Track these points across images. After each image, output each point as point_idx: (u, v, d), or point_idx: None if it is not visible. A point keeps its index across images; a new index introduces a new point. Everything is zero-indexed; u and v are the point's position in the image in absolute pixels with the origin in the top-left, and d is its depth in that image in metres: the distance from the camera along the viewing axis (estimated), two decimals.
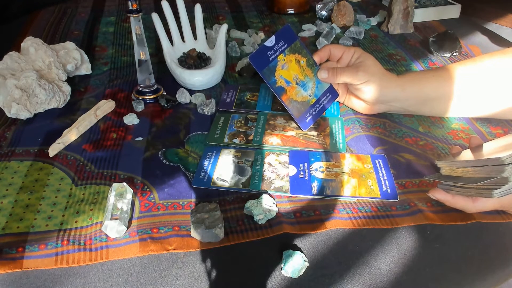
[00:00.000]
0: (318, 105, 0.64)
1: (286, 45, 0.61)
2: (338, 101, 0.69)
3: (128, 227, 0.48)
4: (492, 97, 0.61)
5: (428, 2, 1.03)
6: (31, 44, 0.70)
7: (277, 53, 0.60)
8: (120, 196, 0.50)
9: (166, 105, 0.69)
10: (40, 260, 0.44)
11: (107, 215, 0.47)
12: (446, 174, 0.51)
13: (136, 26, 0.64)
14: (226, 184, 0.54)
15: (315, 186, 0.53)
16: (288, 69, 0.61)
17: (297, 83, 0.62)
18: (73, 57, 0.75)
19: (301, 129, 0.62)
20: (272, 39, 0.60)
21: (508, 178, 0.42)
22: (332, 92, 0.66)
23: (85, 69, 0.79)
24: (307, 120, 0.63)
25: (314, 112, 0.63)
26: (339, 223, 0.48)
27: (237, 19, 1.03)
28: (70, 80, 0.76)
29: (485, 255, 0.46)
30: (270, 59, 0.60)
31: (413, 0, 0.93)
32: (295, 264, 0.43)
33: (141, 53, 0.67)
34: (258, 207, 0.48)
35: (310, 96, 0.63)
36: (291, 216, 0.49)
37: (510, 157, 0.41)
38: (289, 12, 1.05)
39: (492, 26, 0.98)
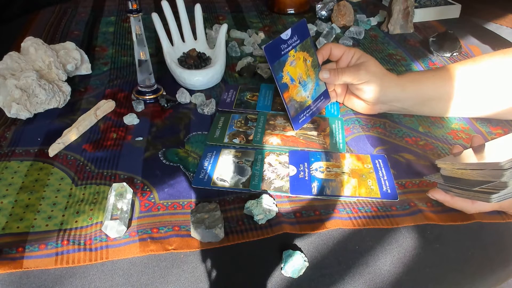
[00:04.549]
0: (312, 107, 0.64)
1: (298, 41, 0.60)
2: (337, 101, 0.69)
3: (128, 227, 0.48)
4: (492, 97, 0.61)
5: (428, 2, 1.03)
6: (31, 44, 0.70)
7: (290, 48, 0.59)
8: (120, 196, 0.50)
9: (166, 105, 0.69)
10: (40, 260, 0.44)
11: (107, 215, 0.47)
12: (446, 175, 0.51)
13: (136, 26, 0.64)
14: (226, 184, 0.54)
15: (315, 186, 0.53)
16: (295, 67, 0.60)
17: (299, 82, 0.61)
18: (73, 57, 0.75)
19: (293, 128, 0.62)
20: (288, 32, 0.58)
21: (507, 183, 0.42)
22: (325, 96, 0.65)
23: (85, 69, 0.79)
24: (300, 121, 0.62)
25: (308, 114, 0.63)
26: (339, 223, 0.48)
27: (237, 19, 1.03)
28: (70, 80, 0.76)
29: (485, 255, 0.46)
30: (282, 52, 0.58)
31: (413, 0, 0.93)
32: (295, 264, 0.43)
33: (141, 53, 0.67)
34: (258, 207, 0.48)
35: (308, 97, 0.63)
36: (291, 216, 0.49)
37: (509, 162, 0.41)
38: (289, 12, 1.05)
39: (492, 26, 0.98)
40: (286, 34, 0.58)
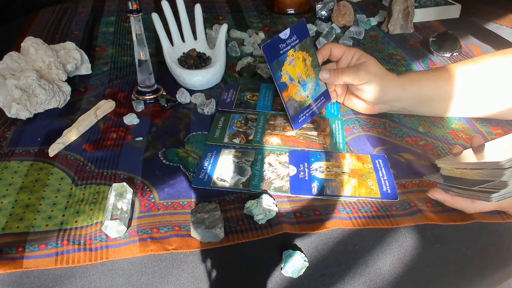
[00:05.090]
0: (312, 107, 0.64)
1: (297, 41, 0.60)
2: (338, 101, 0.69)
3: (128, 227, 0.48)
4: (492, 98, 0.61)
5: (428, 2, 1.03)
6: (31, 44, 0.70)
7: (289, 47, 0.59)
8: (120, 196, 0.50)
9: (166, 105, 0.69)
10: (40, 260, 0.44)
11: (107, 215, 0.47)
12: (446, 174, 0.51)
13: (136, 26, 0.65)
14: (226, 184, 0.54)
15: (315, 186, 0.53)
16: (294, 66, 0.60)
17: (299, 82, 0.61)
18: (73, 57, 0.75)
19: (292, 128, 0.62)
20: (287, 31, 0.58)
21: (507, 182, 0.42)
22: (326, 96, 0.65)
23: (85, 69, 0.79)
24: (299, 121, 0.62)
25: (307, 114, 0.63)
26: (339, 223, 0.48)
27: (237, 19, 1.03)
28: (70, 80, 0.76)
29: (485, 255, 0.46)
30: (281, 52, 0.58)
31: (413, 0, 0.93)
32: (295, 264, 0.43)
33: (141, 53, 0.67)
34: (258, 207, 0.48)
35: (307, 97, 0.63)
36: (291, 216, 0.49)
37: (509, 161, 0.41)
38: (289, 12, 1.05)
39: (492, 26, 0.98)
40: (285, 34, 0.58)
